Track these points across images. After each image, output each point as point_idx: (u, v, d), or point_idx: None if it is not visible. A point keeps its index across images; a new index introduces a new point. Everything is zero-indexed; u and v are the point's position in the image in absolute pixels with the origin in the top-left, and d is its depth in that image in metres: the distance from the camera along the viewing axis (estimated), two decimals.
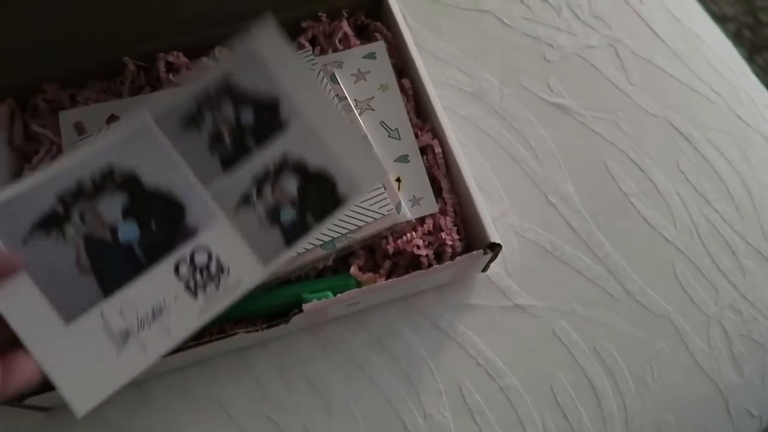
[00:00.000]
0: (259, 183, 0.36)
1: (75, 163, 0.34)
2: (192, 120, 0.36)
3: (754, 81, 0.57)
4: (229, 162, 0.36)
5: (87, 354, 0.32)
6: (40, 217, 0.33)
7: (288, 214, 0.36)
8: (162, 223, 0.35)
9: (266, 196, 0.36)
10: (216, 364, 0.40)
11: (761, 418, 0.46)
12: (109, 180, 0.35)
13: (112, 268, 0.34)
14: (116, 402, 0.39)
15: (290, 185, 0.36)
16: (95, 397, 0.32)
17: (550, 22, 0.54)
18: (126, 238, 0.34)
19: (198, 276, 0.34)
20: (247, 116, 0.37)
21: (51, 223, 0.33)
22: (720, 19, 1.39)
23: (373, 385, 0.41)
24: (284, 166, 0.36)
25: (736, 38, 1.39)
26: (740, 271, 0.47)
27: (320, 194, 0.36)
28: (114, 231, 0.34)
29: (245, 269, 0.35)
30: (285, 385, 0.40)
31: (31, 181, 0.33)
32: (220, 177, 0.36)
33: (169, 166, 0.35)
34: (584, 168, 0.48)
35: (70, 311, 0.32)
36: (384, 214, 0.40)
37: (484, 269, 0.43)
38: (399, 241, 0.40)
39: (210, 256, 0.35)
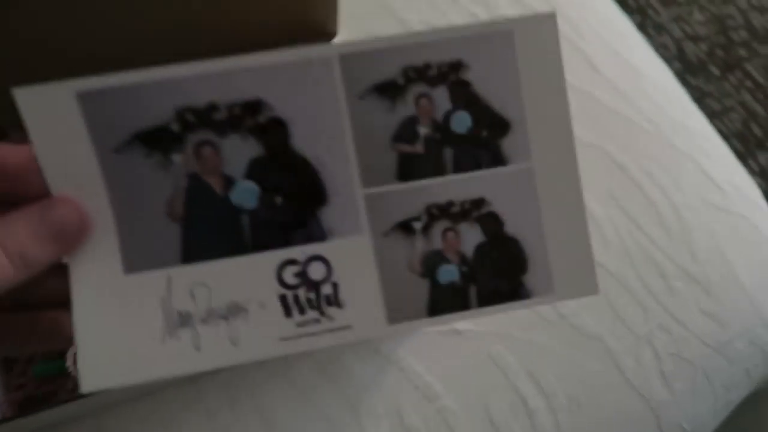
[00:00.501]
0: (433, 215, 0.27)
1: (213, 74, 0.25)
2: (388, 88, 0.26)
3: (691, 109, 0.60)
4: (410, 170, 0.27)
5: (129, 322, 0.25)
6: (148, 127, 0.25)
7: (449, 273, 0.27)
8: (290, 204, 0.26)
9: (434, 235, 0.27)
10: (169, 394, 0.43)
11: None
12: (249, 117, 0.26)
13: (207, 230, 0.26)
14: (71, 429, 0.42)
15: (470, 237, 0.27)
16: (109, 379, 0.25)
17: None
18: (239, 200, 0.26)
19: (302, 292, 0.26)
20: (462, 124, 0.27)
21: (159, 139, 0.25)
22: (693, 39, 1.43)
23: (316, 409, 0.43)
24: (475, 210, 0.27)
25: (709, 57, 1.43)
26: (669, 292, 0.50)
27: (500, 271, 0.27)
28: (228, 185, 0.26)
29: (363, 316, 0.26)
30: (232, 412, 0.43)
31: (151, 75, 0.25)
32: (389, 184, 0.26)
33: (331, 133, 0.26)
34: None
35: (135, 260, 0.25)
36: None
37: None
38: None
39: (328, 276, 0.26)
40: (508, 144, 0.27)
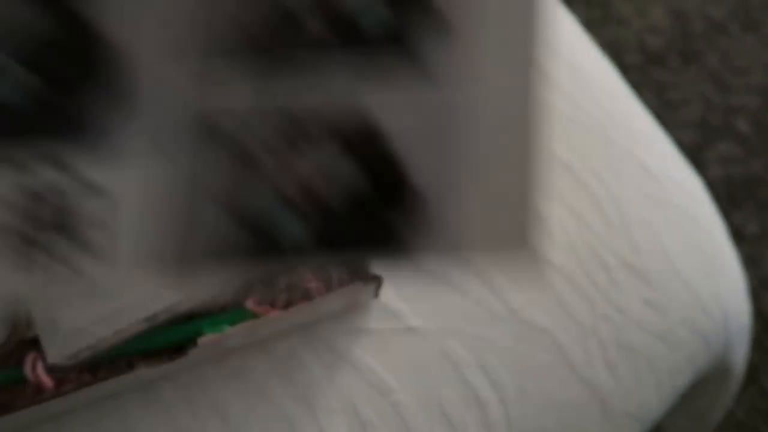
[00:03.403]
0: (280, 135, 0.17)
1: None
2: None
3: (632, 106, 0.62)
4: (267, 62, 0.17)
5: None
6: None
7: (288, 224, 0.18)
8: (48, 87, 0.16)
9: (269, 165, 0.18)
10: (128, 398, 0.44)
11: (640, 417, 0.51)
12: None
13: None
14: None
15: (332, 169, 0.18)
16: None
17: None
18: None
19: (38, 221, 0.18)
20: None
21: None
22: (653, 31, 1.46)
23: (274, 407, 0.45)
24: (350, 131, 0.19)
25: (669, 49, 1.46)
26: (612, 284, 0.52)
27: (364, 211, 0.19)
28: None
29: (128, 258, 0.19)
30: (192, 413, 0.44)
31: None
32: (225, 68, 0.17)
33: None
34: None
35: None
36: None
37: (376, 295, 0.48)
38: (292, 275, 0.45)
39: (73, 203, 0.18)
40: (433, 45, 0.19)
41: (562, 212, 0.54)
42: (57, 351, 0.40)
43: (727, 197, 1.28)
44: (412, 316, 0.49)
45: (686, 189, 0.57)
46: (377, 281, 0.43)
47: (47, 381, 0.40)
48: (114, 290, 0.41)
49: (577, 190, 0.55)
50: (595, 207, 0.54)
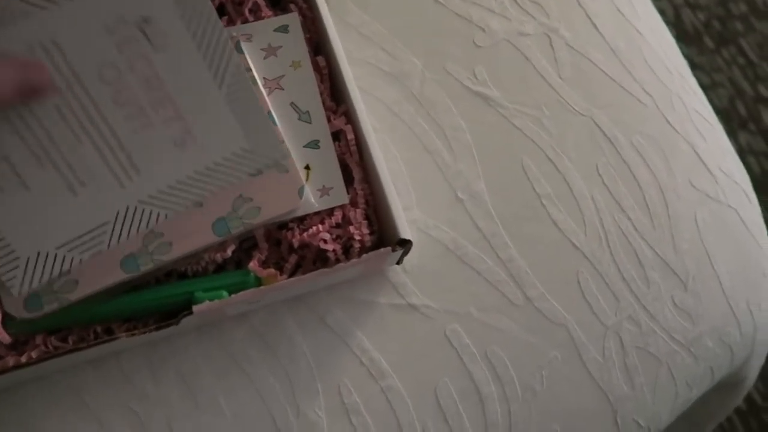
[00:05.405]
0: None
1: None
2: None
3: (691, 83, 0.55)
4: None
5: None
6: None
7: None
8: None
9: None
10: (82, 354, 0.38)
11: (649, 429, 0.46)
12: None
13: None
14: None
15: None
16: None
17: (484, 3, 0.51)
18: None
19: None
20: None
21: None
22: (691, 6, 1.38)
23: (246, 379, 0.39)
24: None
25: (705, 28, 1.38)
26: (645, 282, 0.46)
27: None
28: None
29: None
30: (152, 374, 0.38)
31: None
32: None
33: None
34: (499, 165, 0.46)
35: None
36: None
37: (399, 262, 0.41)
38: (305, 234, 0.38)
39: None
40: None
41: (599, 191, 0.47)
42: (16, 282, 0.33)
43: None
44: (414, 291, 0.43)
45: (738, 186, 0.51)
46: (407, 246, 0.37)
47: (5, 337, 0.33)
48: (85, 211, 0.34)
49: (618, 169, 0.48)
50: (636, 192, 0.48)
